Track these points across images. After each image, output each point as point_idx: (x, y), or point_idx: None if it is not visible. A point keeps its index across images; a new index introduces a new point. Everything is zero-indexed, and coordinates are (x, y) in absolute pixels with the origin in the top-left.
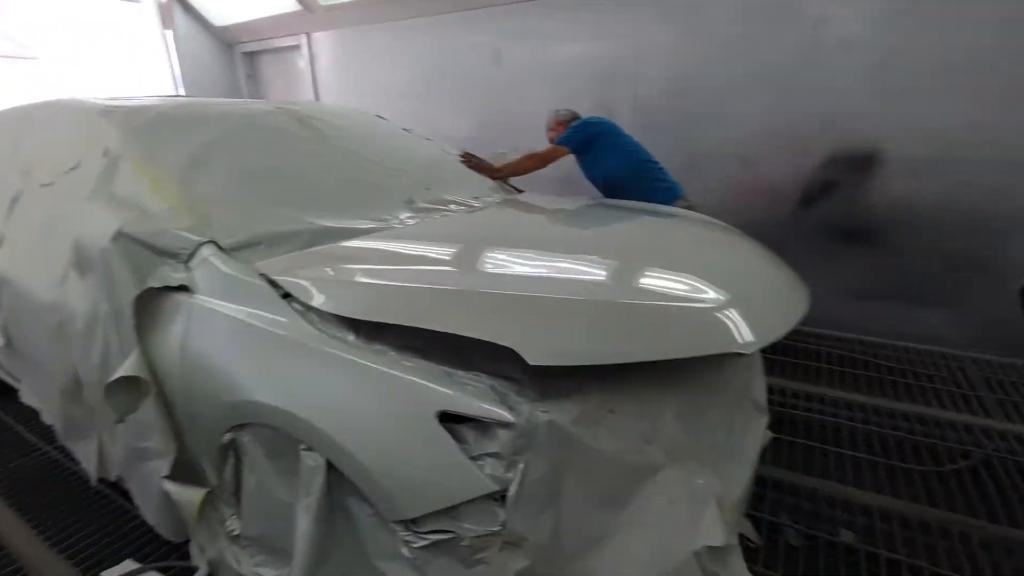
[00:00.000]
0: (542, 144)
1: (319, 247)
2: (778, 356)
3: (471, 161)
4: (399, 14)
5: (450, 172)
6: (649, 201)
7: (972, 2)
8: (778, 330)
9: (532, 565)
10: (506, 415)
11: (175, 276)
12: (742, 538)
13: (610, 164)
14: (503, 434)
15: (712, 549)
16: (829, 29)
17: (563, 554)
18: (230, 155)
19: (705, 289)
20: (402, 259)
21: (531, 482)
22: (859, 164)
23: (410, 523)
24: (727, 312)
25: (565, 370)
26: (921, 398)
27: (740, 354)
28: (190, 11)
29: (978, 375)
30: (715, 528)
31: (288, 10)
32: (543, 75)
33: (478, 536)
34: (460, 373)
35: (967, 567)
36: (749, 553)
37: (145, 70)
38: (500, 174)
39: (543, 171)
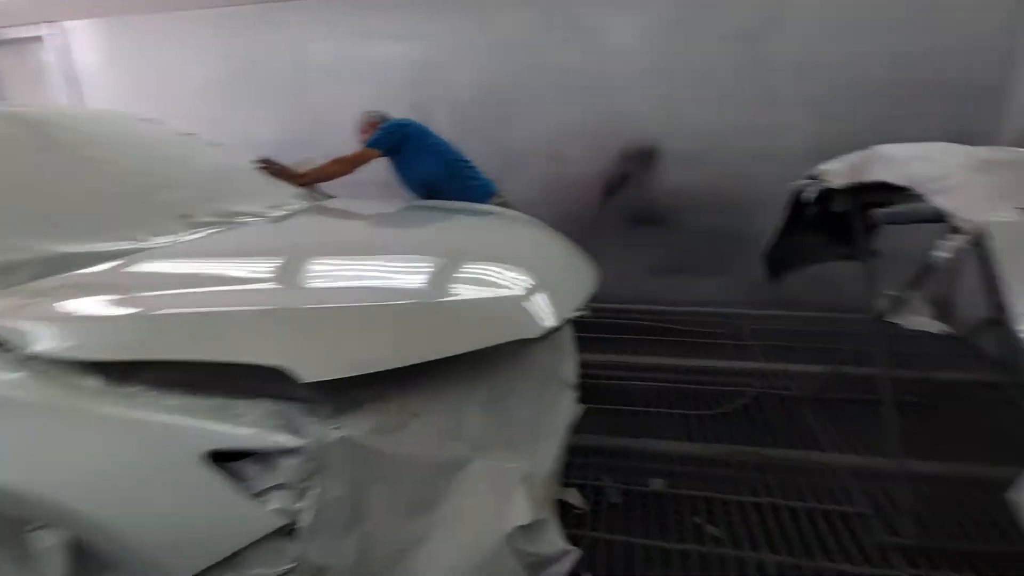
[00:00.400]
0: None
1: (50, 279)
2: (590, 333)
3: (271, 168)
4: (180, 3)
5: (242, 181)
6: (464, 200)
7: (720, 18)
8: (565, 312)
9: None
10: (287, 440)
11: None
12: (569, 506)
13: (424, 166)
14: (288, 461)
15: (523, 528)
16: (610, 38)
17: (373, 571)
18: None
19: (497, 281)
20: (161, 283)
21: (327, 506)
22: (644, 158)
23: None
24: (517, 301)
25: (363, 380)
26: (706, 352)
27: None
28: None
29: (747, 327)
30: (523, 508)
31: None
32: (356, 75)
33: None
34: (238, 403)
35: (744, 489)
36: (579, 519)
37: None
38: (305, 180)
39: (363, 175)
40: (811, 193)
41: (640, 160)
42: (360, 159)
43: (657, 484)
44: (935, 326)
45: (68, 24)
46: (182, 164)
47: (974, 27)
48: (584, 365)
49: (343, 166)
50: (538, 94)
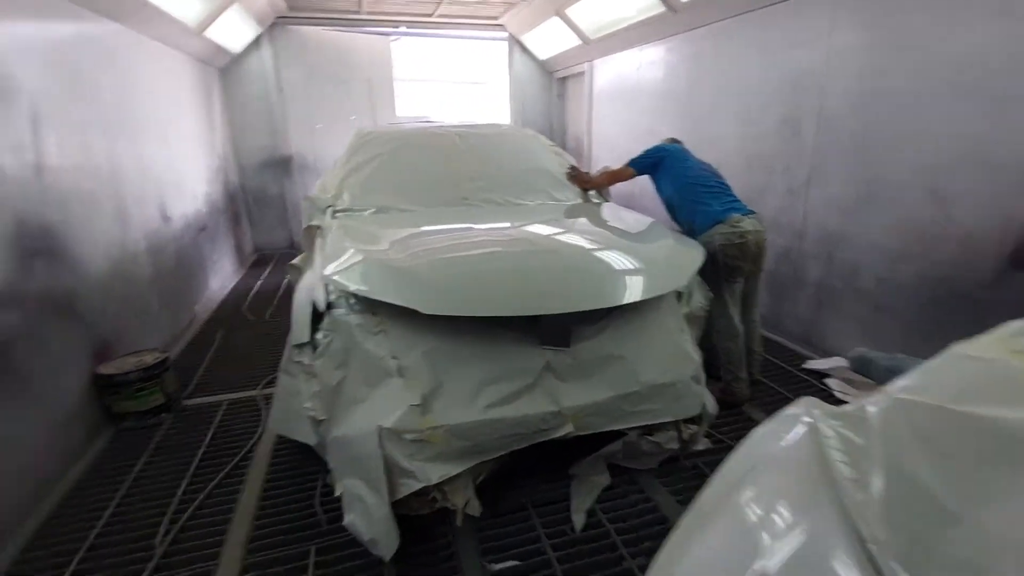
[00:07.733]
0: None
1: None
2: None
3: (572, 173)
4: (640, 40)
5: (537, 181)
6: (692, 222)
7: None
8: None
9: (320, 391)
10: (322, 308)
11: None
12: None
13: (664, 188)
14: (327, 318)
15: (386, 430)
16: None
17: (341, 398)
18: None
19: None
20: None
21: (333, 349)
22: None
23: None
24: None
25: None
26: None
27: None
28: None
29: None
30: (391, 420)
31: (574, 45)
32: (734, 91)
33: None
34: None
35: None
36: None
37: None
38: (587, 186)
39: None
40: None
41: None
42: (618, 175)
43: None
44: None
45: (595, 62)
46: (500, 166)
47: None
48: None
49: (606, 178)
50: (924, 103)
